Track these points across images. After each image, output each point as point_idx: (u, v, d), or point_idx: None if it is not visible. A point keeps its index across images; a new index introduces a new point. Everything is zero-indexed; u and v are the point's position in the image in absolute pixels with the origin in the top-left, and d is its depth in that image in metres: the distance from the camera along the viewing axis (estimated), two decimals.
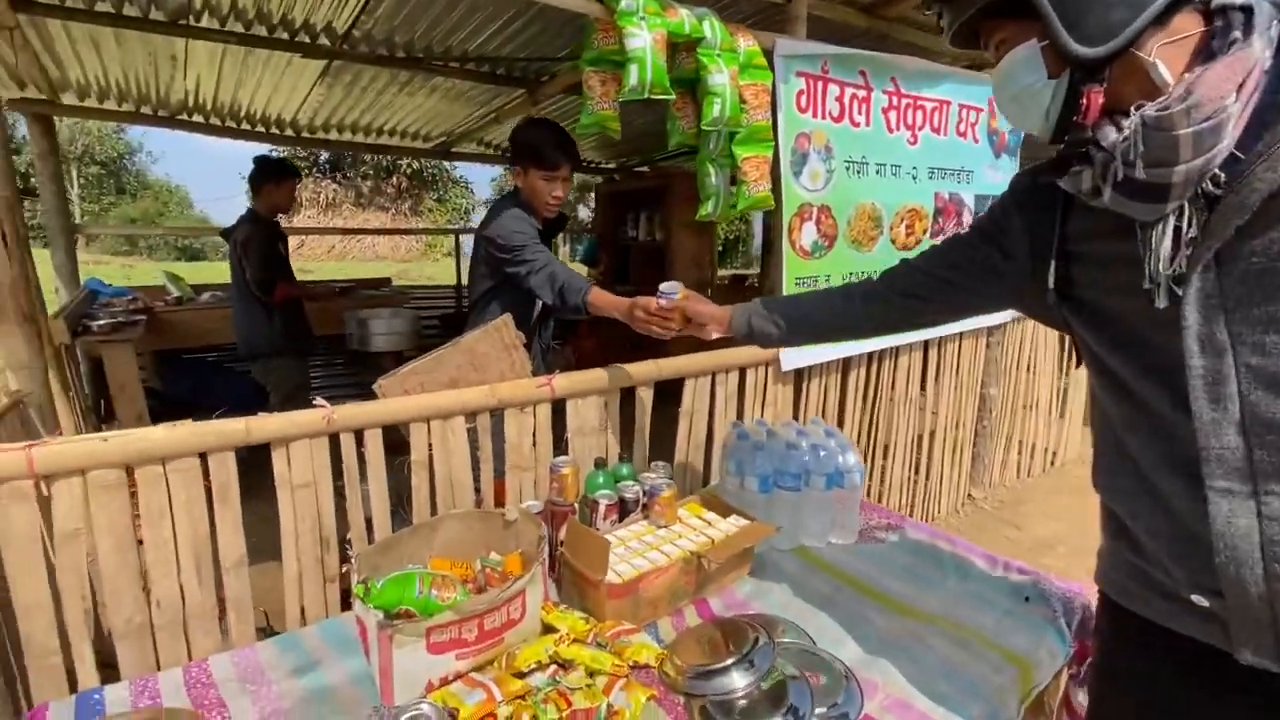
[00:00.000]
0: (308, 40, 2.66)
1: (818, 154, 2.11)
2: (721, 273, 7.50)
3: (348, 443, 1.30)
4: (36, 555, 1.05)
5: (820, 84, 2.07)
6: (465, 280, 5.55)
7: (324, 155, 20.07)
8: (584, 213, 26.88)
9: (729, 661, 1.11)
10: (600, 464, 1.56)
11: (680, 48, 1.70)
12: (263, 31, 2.57)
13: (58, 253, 3.60)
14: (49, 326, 2.37)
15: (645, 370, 1.74)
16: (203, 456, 1.16)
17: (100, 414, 3.41)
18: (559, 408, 1.63)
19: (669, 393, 1.89)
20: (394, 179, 21.68)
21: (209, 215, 24.98)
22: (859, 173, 2.26)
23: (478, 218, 24.52)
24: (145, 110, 3.67)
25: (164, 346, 3.56)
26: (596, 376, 1.64)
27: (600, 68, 1.67)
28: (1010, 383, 3.40)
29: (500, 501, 1.62)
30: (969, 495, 3.39)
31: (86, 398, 3.18)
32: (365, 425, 1.31)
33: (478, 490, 1.55)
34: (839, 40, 2.11)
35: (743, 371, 2.03)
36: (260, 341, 3.07)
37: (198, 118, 3.81)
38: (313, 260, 17.47)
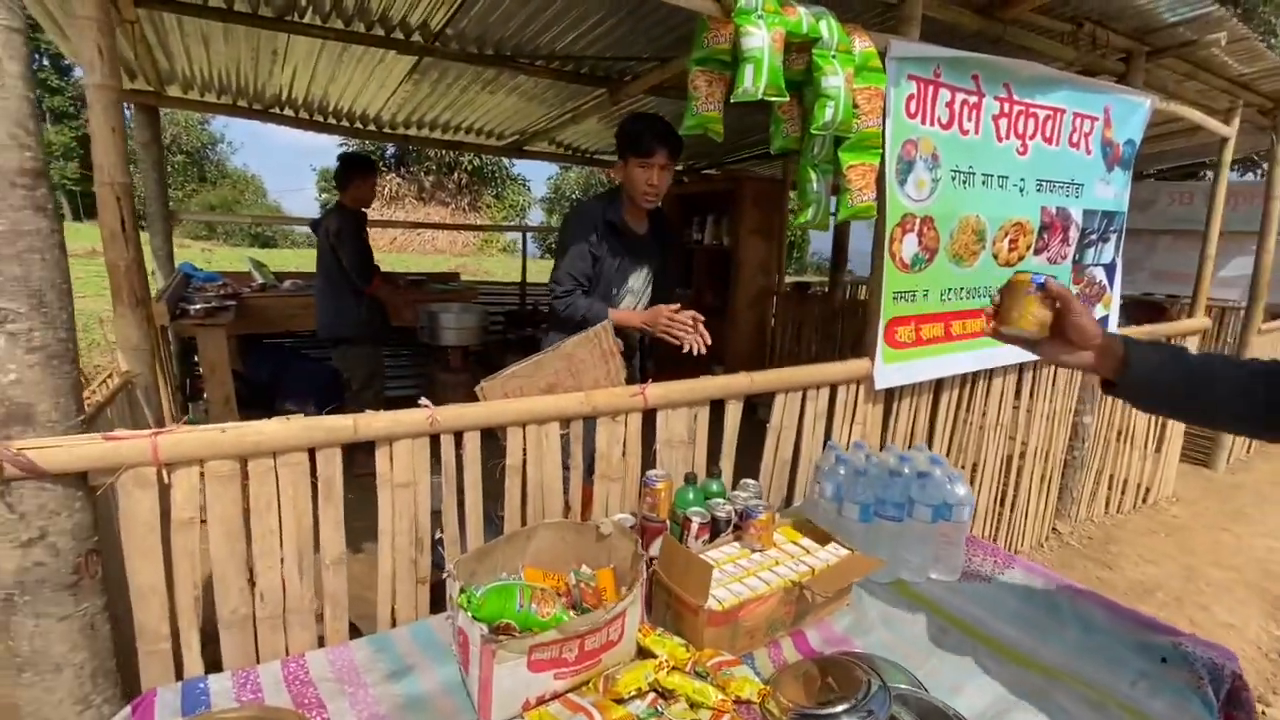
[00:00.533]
0: (402, 37, 2.70)
1: (924, 162, 2.00)
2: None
3: (447, 444, 1.28)
4: (155, 541, 1.06)
5: (931, 88, 1.96)
6: (530, 278, 5.61)
7: (390, 150, 20.72)
8: None
9: (840, 708, 1.03)
10: (690, 479, 1.50)
11: (793, 48, 1.62)
12: (361, 28, 2.62)
13: (155, 237, 3.78)
14: (153, 310, 2.47)
15: (737, 383, 1.67)
16: (310, 452, 1.16)
17: (186, 393, 3.57)
18: (648, 418, 1.58)
19: (750, 406, 1.81)
20: (455, 175, 22.22)
21: (281, 204, 26.19)
22: (965, 183, 2.13)
23: (534, 215, 24.96)
24: (241, 103, 3.82)
25: (248, 331, 3.69)
26: (688, 388, 1.59)
27: (708, 68, 1.61)
28: (1105, 411, 3.18)
29: (587, 509, 1.58)
30: (1054, 529, 3.19)
31: (174, 377, 3.32)
32: (467, 427, 1.29)
33: (565, 496, 1.51)
34: (949, 42, 1.99)
35: (833, 388, 1.93)
36: (345, 327, 3.15)
37: (288, 111, 3.94)
38: (376, 251, 18.02)
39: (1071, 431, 3.07)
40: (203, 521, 1.10)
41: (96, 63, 1.68)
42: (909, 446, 2.16)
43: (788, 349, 4.93)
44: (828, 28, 1.60)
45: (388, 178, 21.94)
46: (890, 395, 2.11)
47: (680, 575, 1.22)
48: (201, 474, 1.08)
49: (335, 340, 3.22)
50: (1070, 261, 2.59)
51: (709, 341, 1.76)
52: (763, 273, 4.91)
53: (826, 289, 5.49)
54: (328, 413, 1.19)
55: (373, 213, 3.30)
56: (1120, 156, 2.62)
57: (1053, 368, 2.77)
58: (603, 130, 4.34)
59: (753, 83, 1.48)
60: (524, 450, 1.38)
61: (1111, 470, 3.36)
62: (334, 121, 4.15)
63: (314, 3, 2.41)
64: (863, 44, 1.69)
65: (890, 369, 2.03)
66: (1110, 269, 2.76)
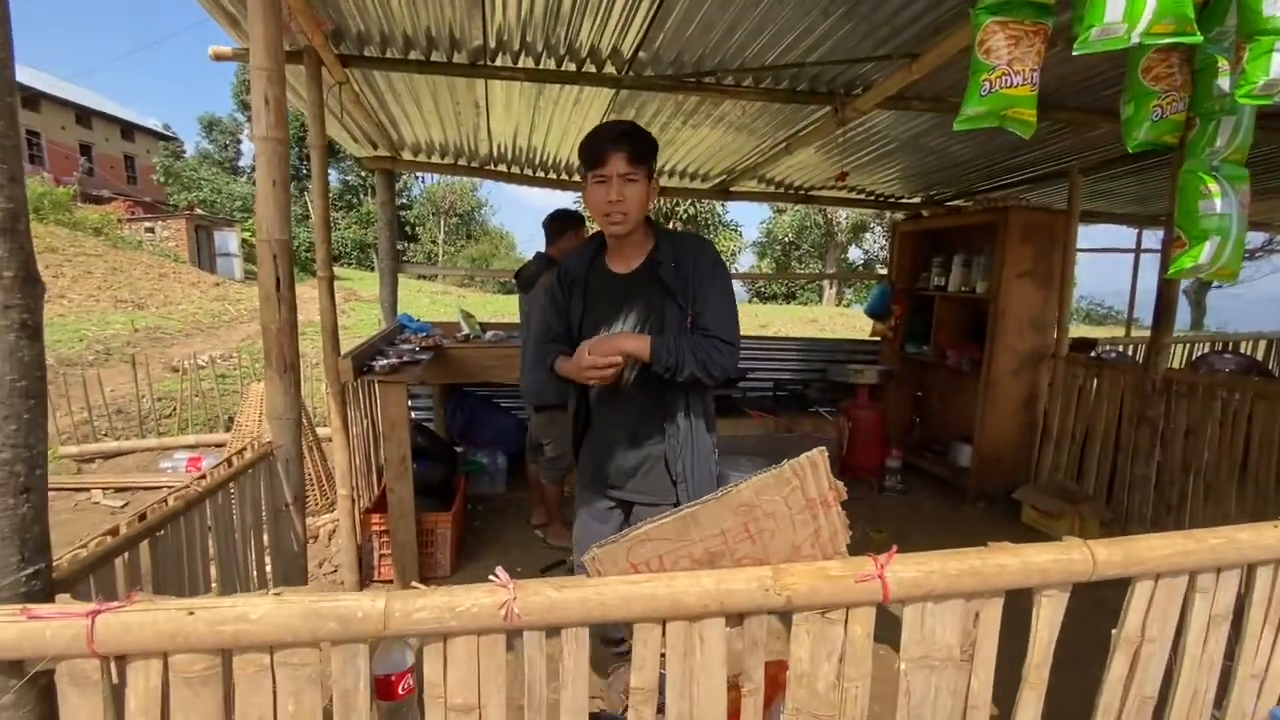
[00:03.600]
0: (594, 69, 2.44)
1: None
2: None
3: (534, 643, 0.78)
4: None
5: None
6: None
7: None
8: (855, 254, 25.33)
9: None
10: None
11: None
12: (551, 64, 2.40)
13: (385, 289, 4.08)
14: (338, 366, 2.46)
15: (1070, 563, 0.91)
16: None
17: None
18: (886, 613, 0.91)
19: (1086, 595, 1.02)
20: (672, 223, 23.21)
21: (525, 255, 30.01)
22: None
23: (744, 261, 25.02)
24: (461, 162, 3.99)
25: (447, 381, 3.73)
26: (966, 568, 0.88)
27: (1011, 16, 0.94)
28: None
29: None
30: None
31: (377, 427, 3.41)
32: (566, 623, 0.78)
33: None
34: None
35: (1250, 571, 1.05)
36: (551, 394, 2.88)
37: (501, 167, 4.03)
38: None
39: None
40: None
41: (263, 113, 1.57)
42: None
43: (1069, 434, 3.64)
44: None
45: None
46: None
47: None
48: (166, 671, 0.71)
49: (542, 407, 2.95)
50: None
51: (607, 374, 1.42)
52: (1034, 329, 3.75)
53: (1120, 350, 4.08)
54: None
55: None
56: None
57: None
58: (821, 161, 3.71)
59: (1125, 13, 0.78)
60: (662, 662, 0.82)
61: None
62: (543, 174, 4.16)
63: (502, 44, 2.24)
64: None
65: None
66: None
